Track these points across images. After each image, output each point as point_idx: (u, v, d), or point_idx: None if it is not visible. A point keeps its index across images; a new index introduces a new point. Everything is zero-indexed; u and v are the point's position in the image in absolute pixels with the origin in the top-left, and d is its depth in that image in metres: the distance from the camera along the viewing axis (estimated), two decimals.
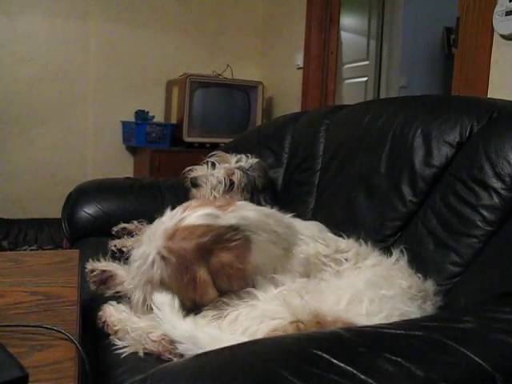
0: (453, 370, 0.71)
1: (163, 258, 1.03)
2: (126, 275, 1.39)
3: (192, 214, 1.05)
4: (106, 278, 1.39)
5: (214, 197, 1.87)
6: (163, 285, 1.06)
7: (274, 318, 0.97)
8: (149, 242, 1.07)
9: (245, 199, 1.86)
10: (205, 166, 1.96)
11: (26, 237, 3.43)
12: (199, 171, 1.94)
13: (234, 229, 1.04)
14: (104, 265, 1.44)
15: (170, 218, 1.08)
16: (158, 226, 1.08)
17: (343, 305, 1.00)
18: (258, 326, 0.97)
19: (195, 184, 1.91)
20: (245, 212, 1.10)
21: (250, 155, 2.02)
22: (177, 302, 1.03)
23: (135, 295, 1.11)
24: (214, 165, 1.95)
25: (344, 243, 1.30)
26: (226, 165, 1.95)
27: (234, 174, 1.91)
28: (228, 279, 1.03)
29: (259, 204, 1.84)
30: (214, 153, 2.04)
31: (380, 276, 1.12)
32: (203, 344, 0.91)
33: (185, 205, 1.11)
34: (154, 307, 1.03)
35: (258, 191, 1.94)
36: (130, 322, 1.10)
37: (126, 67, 3.98)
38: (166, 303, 1.02)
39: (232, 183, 1.90)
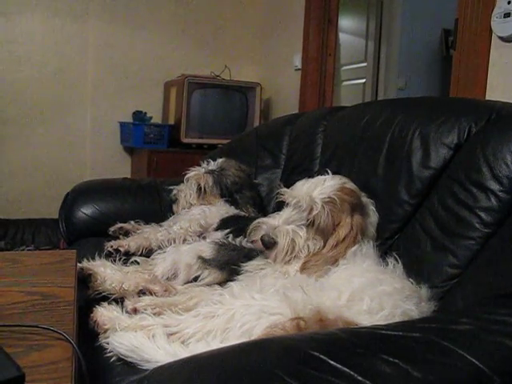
0: (450, 372, 0.71)
1: (330, 201, 1.35)
2: (114, 275, 1.40)
3: (350, 182, 1.46)
4: (84, 276, 1.41)
5: (190, 205, 1.94)
6: (321, 228, 1.36)
7: (272, 314, 0.96)
8: (306, 194, 1.37)
9: (221, 196, 1.94)
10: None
11: (23, 237, 3.42)
12: (176, 188, 2.01)
13: (363, 206, 1.44)
14: (90, 263, 1.45)
15: (330, 179, 1.42)
16: (316, 182, 1.40)
17: (344, 299, 1.00)
18: (256, 322, 0.96)
19: (174, 200, 1.99)
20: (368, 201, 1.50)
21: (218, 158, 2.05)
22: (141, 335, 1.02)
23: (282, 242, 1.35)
24: (188, 180, 2.00)
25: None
26: (194, 172, 1.98)
27: (201, 178, 1.95)
28: (357, 229, 1.36)
29: (236, 201, 1.92)
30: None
31: (372, 278, 1.12)
32: None
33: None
34: (125, 357, 1.02)
35: (237, 189, 1.97)
36: (119, 321, 1.14)
37: (124, 68, 3.97)
38: (134, 345, 1.00)
39: (202, 188, 1.95)
